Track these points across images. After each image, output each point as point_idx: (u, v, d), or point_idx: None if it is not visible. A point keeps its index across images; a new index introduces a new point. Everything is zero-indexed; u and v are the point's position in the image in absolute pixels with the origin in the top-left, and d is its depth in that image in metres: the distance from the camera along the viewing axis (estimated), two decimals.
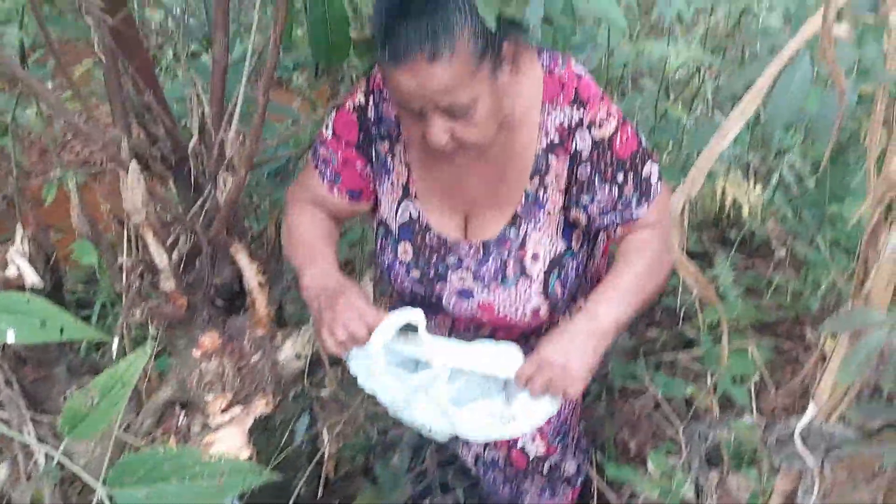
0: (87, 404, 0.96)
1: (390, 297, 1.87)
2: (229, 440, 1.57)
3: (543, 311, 1.67)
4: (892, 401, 1.41)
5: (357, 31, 1.78)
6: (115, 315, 2.76)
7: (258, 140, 1.57)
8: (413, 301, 1.77)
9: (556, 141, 1.55)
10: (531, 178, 1.59)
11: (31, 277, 1.46)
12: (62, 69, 1.38)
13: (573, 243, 1.66)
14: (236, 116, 1.66)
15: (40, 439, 1.24)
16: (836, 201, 2.66)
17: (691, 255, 2.74)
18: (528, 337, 1.79)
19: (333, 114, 1.68)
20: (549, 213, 1.61)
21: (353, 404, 2.20)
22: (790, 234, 2.69)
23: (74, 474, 1.12)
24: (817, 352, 1.49)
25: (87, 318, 2.87)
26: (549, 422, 1.88)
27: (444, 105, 1.38)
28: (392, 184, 1.69)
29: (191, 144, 1.72)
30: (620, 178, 1.56)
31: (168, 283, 1.60)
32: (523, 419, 1.57)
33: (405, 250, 1.71)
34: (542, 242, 1.63)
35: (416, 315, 1.51)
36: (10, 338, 0.94)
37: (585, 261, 1.74)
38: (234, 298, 1.81)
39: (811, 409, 1.41)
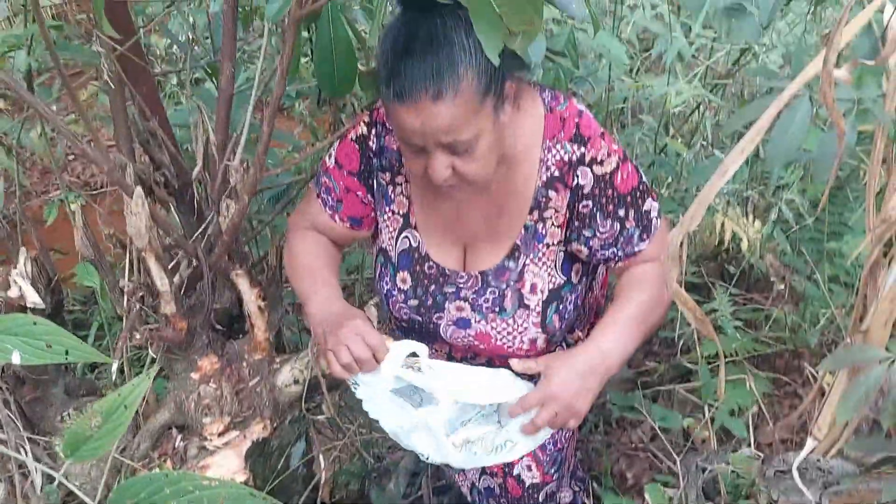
0: (89, 427, 0.96)
1: (388, 323, 1.87)
2: (226, 464, 1.56)
3: (540, 342, 1.68)
4: (891, 436, 1.41)
5: (362, 63, 1.80)
6: (113, 336, 2.75)
7: (262, 168, 1.58)
8: (410, 328, 1.78)
9: (556, 175, 1.56)
10: (530, 211, 1.60)
11: (33, 298, 1.47)
12: (71, 94, 1.39)
13: (572, 276, 1.67)
14: (241, 145, 1.67)
15: (37, 459, 1.24)
16: (834, 238, 2.69)
17: (690, 287, 2.75)
18: None
19: (336, 144, 1.70)
20: (547, 245, 1.62)
21: (349, 430, 2.20)
22: (789, 268, 2.70)
23: (67, 496, 1.12)
24: (816, 386, 1.49)
25: (83, 339, 2.86)
26: (544, 451, 1.88)
27: (447, 142, 1.40)
28: (392, 213, 1.70)
29: (195, 171, 1.74)
30: (622, 213, 1.58)
31: (168, 307, 1.60)
32: (519, 445, 1.58)
33: (404, 279, 1.72)
34: (541, 275, 1.64)
35: (419, 347, 1.55)
36: (17, 359, 0.95)
37: (584, 293, 1.75)
38: (234, 323, 1.81)
39: (809, 444, 1.42)
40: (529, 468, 1.89)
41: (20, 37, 2.15)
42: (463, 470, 2.00)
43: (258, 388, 1.70)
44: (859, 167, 2.62)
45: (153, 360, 1.68)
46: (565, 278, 1.66)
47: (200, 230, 1.74)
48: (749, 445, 2.07)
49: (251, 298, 1.71)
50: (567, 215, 1.60)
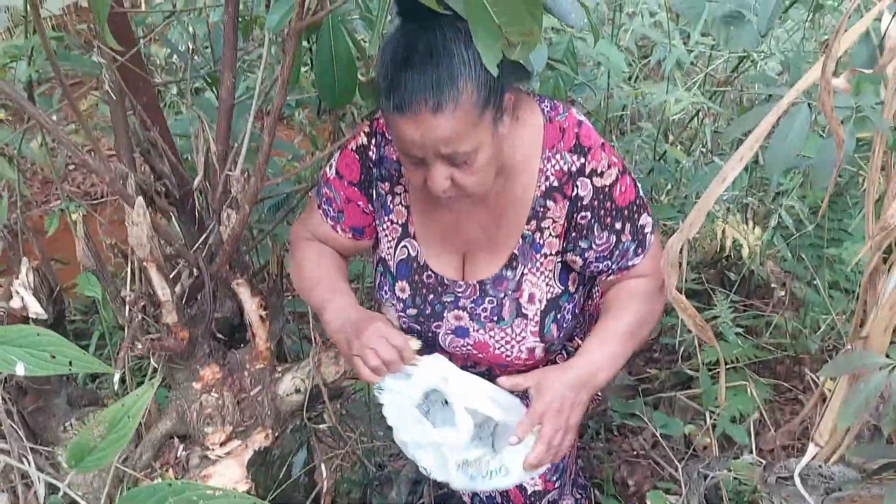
0: (93, 438, 0.96)
1: None
2: (228, 473, 1.57)
3: (539, 351, 1.68)
4: (892, 442, 1.42)
5: (362, 73, 1.80)
6: (114, 346, 2.75)
7: (262, 177, 1.59)
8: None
9: (555, 185, 1.57)
10: (528, 221, 1.60)
11: (36, 309, 1.47)
12: (72, 104, 1.40)
13: (569, 286, 1.68)
14: (242, 155, 1.68)
15: (39, 469, 1.24)
16: (834, 244, 2.69)
17: (690, 294, 2.75)
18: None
19: (337, 155, 1.70)
20: (545, 255, 1.63)
21: (350, 438, 2.20)
22: (789, 275, 2.70)
23: None
24: (817, 393, 1.50)
25: (84, 349, 2.86)
26: None
27: (446, 153, 1.40)
28: (391, 223, 1.71)
29: (196, 181, 1.74)
30: (618, 226, 1.59)
31: (170, 317, 1.60)
32: (514, 472, 1.59)
33: (402, 288, 1.72)
34: (539, 285, 1.64)
35: (446, 366, 1.58)
36: (21, 370, 0.95)
37: (582, 301, 1.75)
38: (235, 332, 1.82)
39: (811, 450, 1.42)
40: (531, 477, 1.89)
41: (21, 48, 2.16)
42: None
43: (260, 398, 1.70)
44: (858, 174, 2.63)
45: (155, 370, 1.68)
46: (563, 288, 1.66)
47: (202, 240, 1.74)
48: (751, 452, 2.07)
49: (252, 308, 1.71)
50: (565, 225, 1.60)
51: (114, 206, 4.02)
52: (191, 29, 3.08)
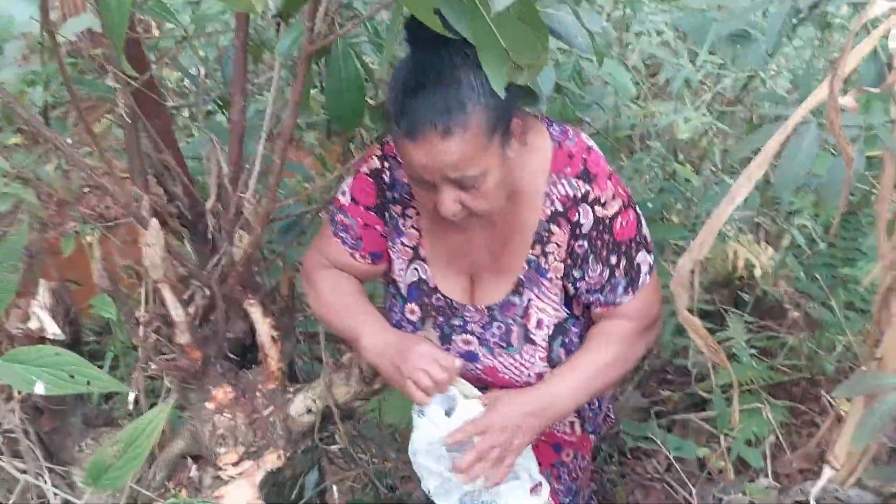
0: (111, 456, 0.97)
1: None
2: (240, 493, 1.57)
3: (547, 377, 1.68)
4: None
5: (371, 96, 1.82)
6: (127, 367, 2.77)
7: (274, 199, 1.60)
8: None
9: (560, 210, 1.57)
10: (533, 245, 1.60)
11: (53, 329, 1.49)
12: (87, 128, 1.42)
13: (574, 309, 1.68)
14: (254, 176, 1.69)
15: (56, 488, 1.25)
16: (848, 263, 2.67)
17: (703, 315, 2.74)
18: None
19: (349, 180, 1.71)
20: (550, 280, 1.62)
21: (362, 460, 2.20)
22: (803, 295, 2.69)
23: None
24: (833, 414, 1.48)
25: None
26: (559, 480, 1.87)
27: (455, 177, 1.41)
28: (403, 245, 1.71)
29: (208, 203, 1.76)
30: (613, 260, 1.58)
31: (183, 337, 1.61)
32: None
33: (412, 310, 1.72)
34: (546, 310, 1.64)
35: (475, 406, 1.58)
36: (40, 389, 0.96)
37: (588, 323, 1.74)
38: (247, 352, 1.82)
39: (827, 473, 1.41)
40: None
41: (39, 73, 2.19)
42: None
43: (272, 418, 1.71)
44: (871, 192, 2.62)
45: (168, 391, 1.69)
46: (568, 312, 1.66)
47: (214, 261, 1.75)
48: (766, 476, 2.05)
49: (264, 328, 1.72)
50: (566, 251, 1.60)
51: (127, 228, 4.05)
52: (202, 53, 3.12)
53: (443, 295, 1.69)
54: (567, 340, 1.67)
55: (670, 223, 2.85)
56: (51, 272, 1.89)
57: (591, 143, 1.59)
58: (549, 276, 1.62)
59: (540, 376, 1.67)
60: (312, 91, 2.54)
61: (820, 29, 2.69)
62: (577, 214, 1.56)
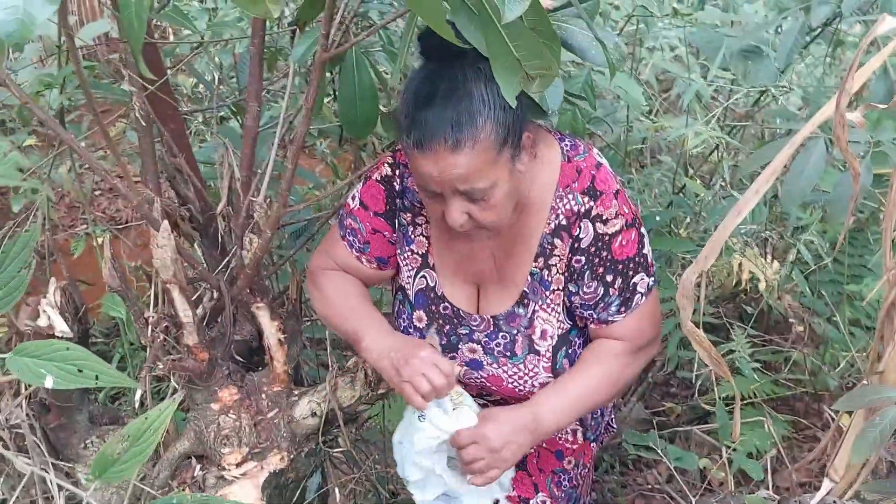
0: (117, 451, 0.98)
1: None
2: (243, 494, 1.58)
3: None
4: None
5: (384, 104, 1.84)
6: (134, 367, 2.79)
7: (285, 204, 1.61)
8: None
9: (564, 224, 1.58)
10: (536, 258, 1.62)
11: (62, 327, 1.50)
12: (103, 131, 1.44)
13: (578, 321, 1.69)
14: (266, 181, 1.71)
15: (60, 485, 1.26)
16: (854, 280, 2.68)
17: (708, 328, 2.74)
18: None
19: (360, 185, 1.73)
20: (554, 292, 1.64)
21: (365, 463, 2.20)
22: (808, 310, 2.69)
23: None
24: (833, 427, 1.49)
25: None
26: (560, 487, 1.88)
27: (463, 190, 1.43)
28: (412, 253, 1.72)
29: (220, 206, 1.78)
30: (609, 278, 1.59)
31: (191, 338, 1.63)
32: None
33: (420, 317, 1.74)
34: (550, 321, 1.65)
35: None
36: (50, 383, 0.98)
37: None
38: (253, 355, 1.84)
39: (826, 485, 1.41)
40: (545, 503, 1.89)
41: (56, 76, 2.23)
42: None
43: (276, 420, 1.72)
44: (879, 210, 2.62)
45: (174, 391, 1.70)
46: (571, 323, 1.67)
47: (223, 264, 1.77)
48: (767, 488, 2.06)
49: (271, 331, 1.73)
50: (565, 264, 1.61)
51: (137, 232, 4.08)
52: (217, 59, 3.15)
53: (450, 303, 1.70)
54: (571, 351, 1.68)
55: (678, 237, 2.86)
56: (61, 272, 1.91)
57: (601, 159, 1.60)
58: (552, 288, 1.63)
59: (543, 386, 1.68)
60: (326, 99, 2.57)
61: (832, 47, 2.70)
62: (578, 229, 1.57)
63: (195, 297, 1.73)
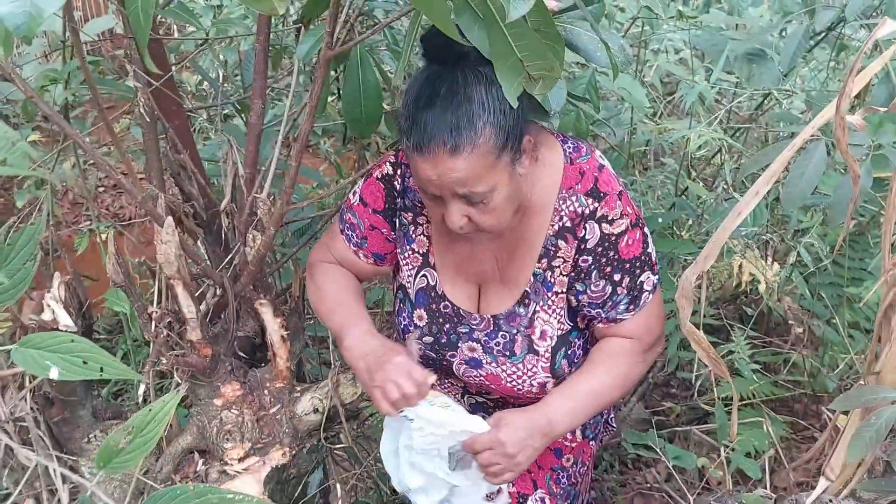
0: (121, 441, 0.99)
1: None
2: (245, 488, 1.59)
3: (550, 386, 1.70)
4: None
5: (388, 103, 1.85)
6: (137, 363, 2.80)
7: (288, 201, 1.63)
8: (426, 363, 1.81)
9: (568, 226, 1.59)
10: (539, 259, 1.62)
11: (66, 321, 1.51)
12: (108, 127, 1.45)
13: (579, 322, 1.70)
14: (270, 179, 1.72)
15: (63, 477, 1.28)
16: (854, 283, 2.69)
17: (709, 330, 2.75)
18: None
19: (362, 182, 1.74)
20: (556, 293, 1.64)
21: (366, 461, 2.21)
22: (807, 312, 2.70)
23: None
24: (830, 426, 1.50)
25: None
26: (559, 484, 1.89)
27: (462, 193, 1.43)
28: (413, 252, 1.74)
29: (223, 203, 1.79)
30: (617, 277, 1.60)
31: (194, 334, 1.64)
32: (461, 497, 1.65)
33: (420, 316, 1.75)
34: (550, 321, 1.66)
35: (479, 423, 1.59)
36: (55, 374, 0.99)
37: (592, 337, 1.76)
38: (256, 351, 1.85)
39: (822, 484, 1.42)
40: (543, 501, 1.90)
41: (60, 72, 2.24)
42: None
43: (278, 416, 1.73)
44: (879, 213, 2.63)
45: (177, 386, 1.71)
46: (572, 324, 1.68)
47: (227, 260, 1.78)
48: (765, 487, 2.07)
49: (274, 328, 1.75)
50: (571, 265, 1.62)
51: (141, 229, 4.10)
52: (222, 57, 3.16)
53: (450, 302, 1.71)
54: (570, 352, 1.69)
55: (681, 239, 2.87)
56: (65, 268, 1.92)
57: (603, 161, 1.61)
58: (554, 289, 1.64)
59: (542, 385, 1.69)
60: (330, 98, 2.58)
61: (836, 51, 2.71)
62: (583, 230, 1.57)
63: (198, 293, 1.74)
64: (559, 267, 1.62)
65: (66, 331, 1.51)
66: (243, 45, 3.04)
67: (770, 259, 2.65)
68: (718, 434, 2.45)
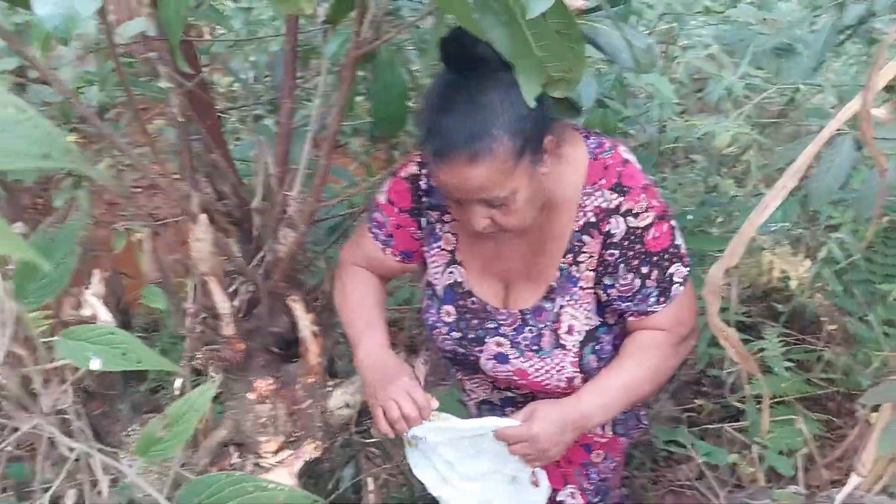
0: (160, 430, 1.02)
1: (434, 352, 1.92)
2: (279, 481, 1.61)
3: (577, 381, 1.70)
4: None
5: (415, 102, 1.86)
6: (174, 360, 2.85)
7: (318, 199, 1.65)
8: (454, 359, 1.84)
9: (593, 221, 1.59)
10: (565, 255, 1.63)
11: (105, 317, 1.55)
12: (143, 127, 1.49)
13: (607, 318, 1.70)
14: (299, 176, 1.75)
15: (104, 468, 1.31)
16: (887, 280, 2.65)
17: (742, 327, 2.74)
18: None
19: (388, 181, 1.76)
20: (582, 288, 1.65)
21: (397, 456, 2.23)
22: (840, 309, 2.68)
23: None
24: (861, 422, 1.49)
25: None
26: (589, 479, 1.90)
27: (482, 198, 1.45)
28: (440, 249, 1.76)
29: (255, 201, 1.82)
30: (645, 270, 1.59)
31: (228, 329, 1.67)
32: None
33: (448, 312, 1.76)
34: (577, 316, 1.66)
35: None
36: (96, 365, 1.03)
37: (622, 332, 1.76)
38: (289, 346, 1.87)
39: (853, 480, 1.42)
40: (573, 496, 1.91)
41: (96, 73, 2.29)
42: None
43: (310, 410, 1.76)
44: None
45: (211, 380, 1.74)
46: (601, 320, 1.69)
47: (259, 257, 1.81)
48: (798, 486, 2.06)
49: (306, 323, 1.77)
50: (598, 260, 1.63)
51: (175, 229, 4.16)
52: (252, 58, 3.21)
53: (477, 298, 1.73)
54: (598, 347, 1.70)
55: (710, 235, 2.86)
56: (103, 266, 1.96)
57: (628, 155, 1.61)
58: (580, 284, 1.64)
59: (570, 380, 1.69)
60: (359, 98, 2.61)
61: (867, 45, 2.68)
62: (608, 225, 1.58)
63: (232, 289, 1.77)
64: (585, 262, 1.62)
65: None
66: (273, 46, 3.08)
67: (802, 255, 2.62)
68: (750, 431, 2.44)
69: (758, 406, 2.42)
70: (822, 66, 2.63)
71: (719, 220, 3.02)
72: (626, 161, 1.59)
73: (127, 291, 2.04)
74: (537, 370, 1.71)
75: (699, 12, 2.84)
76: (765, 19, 2.94)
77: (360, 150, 3.58)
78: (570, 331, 1.66)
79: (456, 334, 1.76)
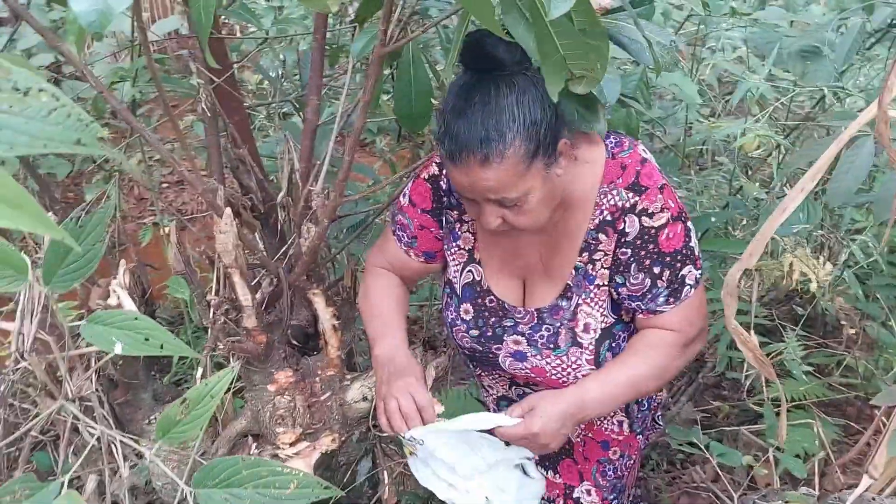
0: (180, 413, 1.05)
1: (454, 349, 1.95)
2: None
3: None
4: None
5: (440, 100, 1.88)
6: (197, 352, 2.89)
7: (341, 195, 1.68)
8: (472, 356, 1.86)
9: (608, 220, 1.60)
10: (581, 253, 1.65)
11: (130, 307, 1.59)
12: (173, 122, 1.53)
13: (623, 315, 1.71)
14: (324, 172, 1.78)
15: (125, 456, 1.35)
16: None
17: (762, 331, 2.73)
18: None
19: (410, 184, 1.79)
20: (598, 286, 1.66)
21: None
22: (861, 314, 2.66)
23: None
24: (874, 424, 1.49)
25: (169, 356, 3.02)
26: (605, 477, 1.91)
27: (495, 198, 1.47)
28: (459, 248, 1.78)
29: (280, 196, 1.85)
30: (657, 270, 1.60)
31: (250, 321, 1.70)
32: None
33: (466, 310, 1.79)
34: (593, 314, 1.68)
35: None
36: (119, 349, 1.06)
37: (637, 330, 1.77)
38: (309, 339, 1.91)
39: (865, 482, 1.42)
40: (589, 493, 1.92)
41: (128, 69, 2.34)
42: None
43: (329, 403, 1.78)
44: None
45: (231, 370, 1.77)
46: (616, 317, 1.70)
47: (282, 251, 1.85)
48: (814, 489, 2.05)
49: (326, 317, 1.80)
50: (611, 258, 1.64)
51: (202, 224, 4.23)
52: (281, 56, 3.25)
53: (495, 296, 1.75)
54: (614, 345, 1.71)
55: (733, 237, 2.85)
56: (130, 258, 2.01)
57: (646, 154, 1.62)
58: (596, 282, 1.66)
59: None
60: (385, 97, 2.64)
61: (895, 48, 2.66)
62: (623, 223, 1.59)
63: (255, 282, 1.80)
64: (600, 260, 1.64)
65: None
66: (302, 45, 3.12)
67: (824, 258, 2.61)
68: (767, 434, 2.43)
69: (776, 410, 2.42)
70: (849, 68, 2.61)
71: (743, 223, 3.02)
72: (644, 160, 1.60)
73: (153, 283, 2.09)
74: (554, 368, 1.72)
75: (726, 14, 2.83)
76: (792, 22, 2.93)
77: (385, 148, 3.62)
78: (586, 329, 1.68)
79: (474, 332, 1.78)
